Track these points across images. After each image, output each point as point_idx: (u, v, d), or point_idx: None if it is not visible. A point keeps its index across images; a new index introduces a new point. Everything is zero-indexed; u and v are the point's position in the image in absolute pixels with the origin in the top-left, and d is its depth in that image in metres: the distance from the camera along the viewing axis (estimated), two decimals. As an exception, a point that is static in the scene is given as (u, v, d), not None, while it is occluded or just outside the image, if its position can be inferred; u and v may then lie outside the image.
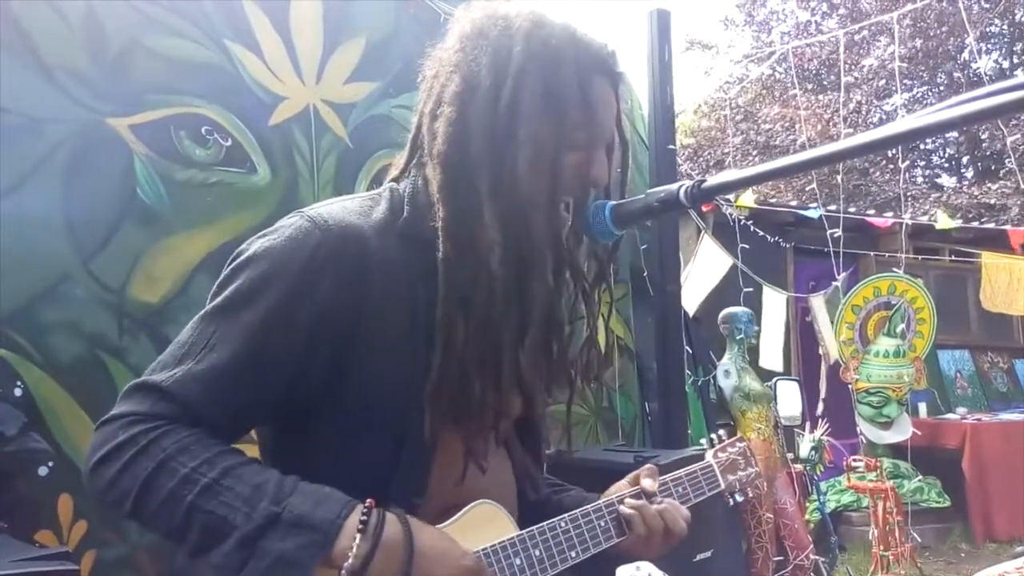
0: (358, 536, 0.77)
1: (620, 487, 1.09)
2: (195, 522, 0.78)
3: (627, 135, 1.01)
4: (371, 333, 0.87)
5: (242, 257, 0.88)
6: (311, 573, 0.76)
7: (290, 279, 0.84)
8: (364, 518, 0.78)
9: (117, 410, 0.83)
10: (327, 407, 0.89)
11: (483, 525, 0.93)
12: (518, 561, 0.92)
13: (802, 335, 5.40)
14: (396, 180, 0.99)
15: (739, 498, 1.25)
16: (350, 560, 0.76)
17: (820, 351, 4.25)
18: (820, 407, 4.13)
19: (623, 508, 1.04)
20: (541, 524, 0.97)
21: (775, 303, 4.20)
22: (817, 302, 4.34)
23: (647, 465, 1.12)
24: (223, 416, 0.83)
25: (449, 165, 0.89)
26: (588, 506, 1.03)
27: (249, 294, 0.84)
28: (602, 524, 1.02)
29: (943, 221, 5.48)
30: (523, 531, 0.95)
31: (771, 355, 4.15)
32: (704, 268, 4.16)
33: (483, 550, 0.89)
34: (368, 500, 0.80)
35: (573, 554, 0.97)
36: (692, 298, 3.90)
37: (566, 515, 1.00)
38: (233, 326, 0.83)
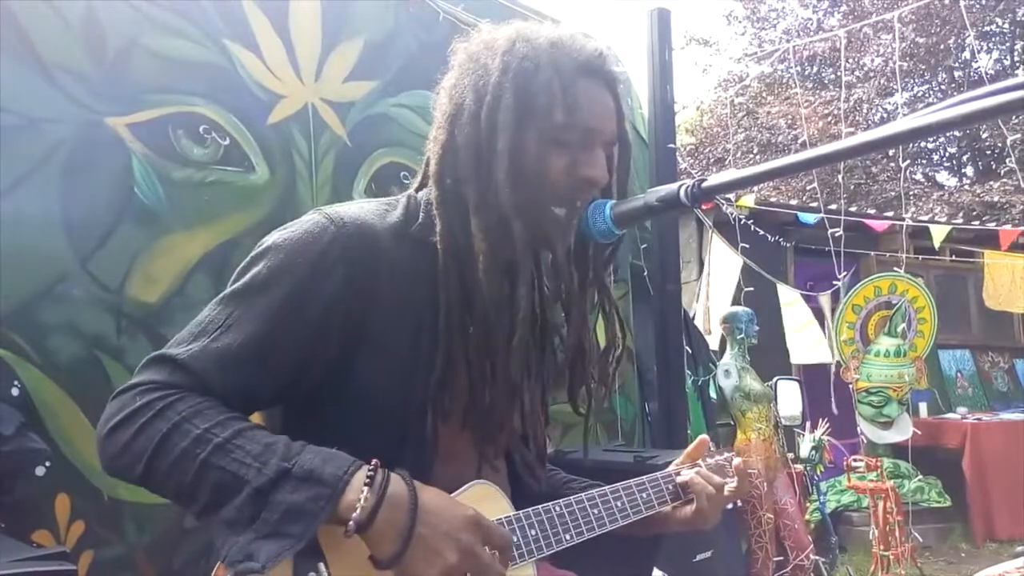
0: (365, 489, 0.80)
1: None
2: (207, 479, 0.80)
3: (628, 134, 1.02)
4: (378, 330, 0.92)
5: (262, 247, 0.94)
6: (320, 523, 0.78)
7: (305, 270, 0.89)
8: (371, 474, 0.81)
9: (133, 380, 0.87)
10: (334, 401, 0.93)
11: (481, 503, 0.95)
12: (514, 539, 0.95)
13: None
14: (416, 190, 1.04)
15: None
16: (357, 512, 0.79)
17: (843, 344, 4.21)
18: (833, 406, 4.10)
19: (680, 477, 1.17)
20: (537, 506, 1.00)
21: (791, 299, 4.18)
22: (825, 300, 4.32)
23: (701, 436, 1.27)
24: (234, 392, 0.87)
25: (442, 183, 0.96)
26: (631, 480, 1.12)
27: (266, 281, 0.89)
28: (656, 492, 1.14)
29: (937, 233, 5.48)
30: (519, 511, 0.99)
31: (808, 351, 4.11)
32: (720, 273, 4.14)
33: None
34: (373, 460, 0.83)
35: (568, 537, 1.01)
36: (717, 308, 3.86)
37: (583, 495, 1.05)
38: (249, 310, 0.88)
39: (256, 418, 0.94)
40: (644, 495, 1.13)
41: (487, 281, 0.92)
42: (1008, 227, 6.43)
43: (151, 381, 0.85)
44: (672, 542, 2.17)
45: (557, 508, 1.01)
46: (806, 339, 4.05)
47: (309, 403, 0.94)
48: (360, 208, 0.96)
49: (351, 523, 0.78)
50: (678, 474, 1.19)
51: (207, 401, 0.84)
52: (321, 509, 0.78)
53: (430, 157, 0.99)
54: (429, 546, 0.81)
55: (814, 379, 4.53)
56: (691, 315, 4.22)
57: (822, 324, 4.22)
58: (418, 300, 0.94)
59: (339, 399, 0.93)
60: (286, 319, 0.88)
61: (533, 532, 0.97)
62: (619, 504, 1.09)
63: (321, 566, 0.82)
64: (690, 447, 1.25)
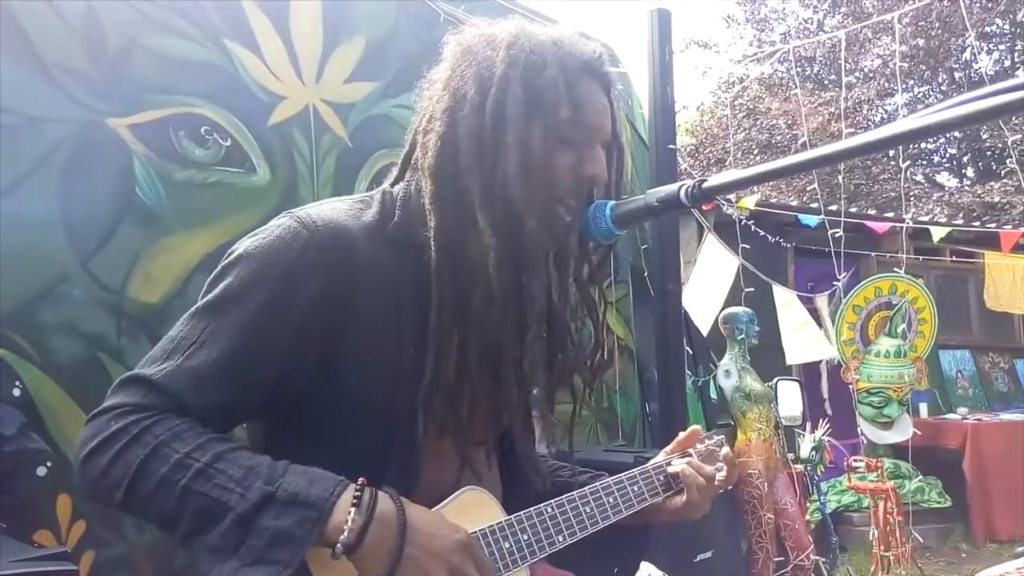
0: (352, 511, 0.78)
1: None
2: (189, 505, 0.78)
3: (623, 137, 1.02)
4: (358, 334, 0.89)
5: (232, 256, 0.90)
6: (308, 548, 0.77)
7: (278, 278, 0.86)
8: (358, 494, 0.79)
9: (107, 403, 0.84)
10: (316, 407, 0.91)
11: (472, 510, 0.94)
12: (507, 544, 0.94)
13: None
14: (391, 186, 1.01)
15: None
16: (345, 534, 0.77)
17: (844, 345, 4.19)
18: (827, 407, 4.09)
19: (671, 468, 1.16)
20: (529, 509, 0.99)
21: (787, 299, 4.16)
22: (821, 302, 4.32)
23: (693, 427, 1.24)
24: (212, 410, 0.84)
25: (440, 176, 0.92)
26: (622, 475, 1.11)
27: (239, 292, 0.86)
28: (648, 484, 1.13)
29: (936, 231, 5.49)
30: (511, 516, 0.97)
31: (804, 351, 4.09)
32: (710, 274, 4.10)
33: (472, 533, 0.89)
34: (360, 479, 0.81)
35: (560, 538, 0.99)
36: (705, 312, 3.82)
37: (575, 493, 1.04)
38: (223, 323, 0.85)
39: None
40: (635, 488, 1.12)
41: (497, 276, 0.89)
42: (1008, 228, 6.43)
43: (125, 404, 0.82)
44: (672, 542, 2.17)
45: (549, 510, 1.00)
46: (805, 338, 4.04)
47: (292, 410, 0.91)
48: (332, 209, 0.93)
49: (338, 546, 0.77)
50: (669, 464, 1.18)
51: (185, 423, 0.81)
52: (308, 533, 0.76)
53: (423, 150, 0.95)
54: (419, 567, 0.80)
55: (815, 380, 4.54)
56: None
57: (819, 324, 4.21)
58: (398, 300, 0.91)
59: (322, 407, 0.90)
60: (262, 330, 0.85)
61: (525, 536, 0.96)
62: (611, 500, 1.08)
63: None
64: (681, 436, 1.24)
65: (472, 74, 0.92)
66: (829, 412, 4.01)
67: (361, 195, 1.00)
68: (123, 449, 0.80)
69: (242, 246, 0.90)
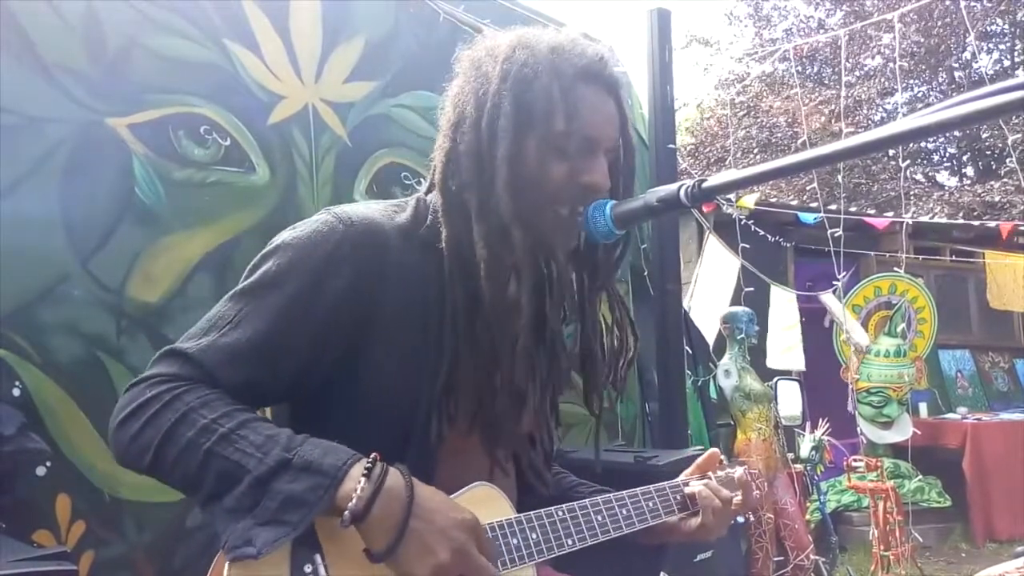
0: (362, 480, 0.81)
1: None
2: (211, 467, 0.82)
3: (631, 138, 1.02)
4: (384, 329, 0.93)
5: (272, 245, 0.96)
6: (317, 512, 0.80)
7: (313, 268, 0.91)
8: (369, 466, 0.83)
9: (145, 373, 0.89)
10: (339, 400, 0.95)
11: (483, 504, 0.95)
12: (515, 541, 0.95)
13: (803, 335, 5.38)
14: (425, 193, 1.05)
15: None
16: (353, 502, 0.80)
17: (844, 344, 4.15)
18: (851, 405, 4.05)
19: (688, 488, 1.16)
20: (539, 510, 1.00)
21: (784, 301, 4.15)
22: (828, 298, 4.32)
23: (712, 449, 1.26)
24: (241, 387, 0.89)
25: (446, 191, 0.97)
26: (637, 489, 1.12)
27: (275, 279, 0.91)
28: (663, 501, 1.13)
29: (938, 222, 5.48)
30: (521, 514, 0.99)
31: (781, 355, 4.08)
32: (713, 275, 4.10)
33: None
34: (373, 454, 0.84)
35: (570, 542, 1.01)
36: (711, 319, 3.81)
37: (587, 501, 1.05)
38: (258, 307, 0.90)
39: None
40: (650, 504, 1.12)
41: (489, 288, 0.93)
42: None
43: (161, 374, 0.87)
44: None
45: (560, 513, 1.01)
46: (782, 343, 4.04)
47: (316, 401, 0.95)
48: (368, 208, 0.98)
49: (346, 513, 0.79)
50: (686, 484, 1.19)
51: (215, 393, 0.86)
52: (319, 499, 0.80)
53: (435, 164, 1.00)
54: (423, 541, 0.82)
55: (815, 379, 4.54)
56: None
57: (818, 324, 4.21)
58: (425, 301, 0.95)
59: (345, 398, 0.94)
60: (294, 316, 0.90)
61: (534, 536, 0.97)
62: (624, 512, 1.08)
63: (317, 557, 0.83)
64: (700, 459, 1.25)
65: (471, 90, 0.96)
66: (851, 411, 3.99)
67: (397, 200, 1.04)
68: (155, 415, 0.84)
69: (281, 236, 0.95)
